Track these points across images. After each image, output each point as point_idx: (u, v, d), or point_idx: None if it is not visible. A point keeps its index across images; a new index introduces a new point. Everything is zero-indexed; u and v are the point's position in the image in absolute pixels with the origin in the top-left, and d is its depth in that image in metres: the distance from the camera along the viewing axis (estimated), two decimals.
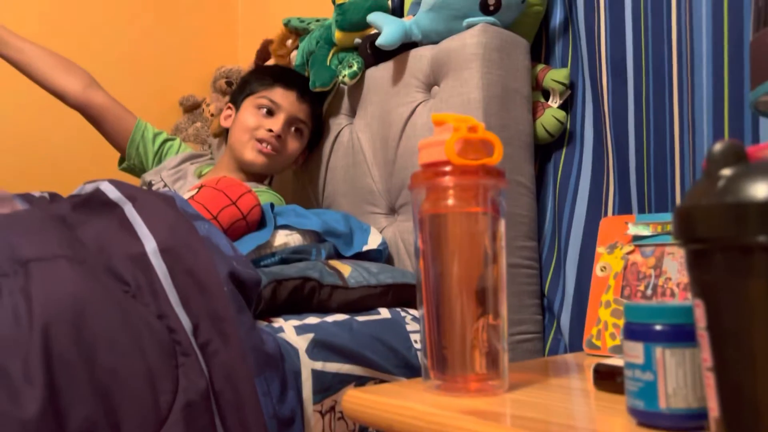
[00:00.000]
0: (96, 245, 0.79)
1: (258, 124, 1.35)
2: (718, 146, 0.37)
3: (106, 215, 0.84)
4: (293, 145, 1.38)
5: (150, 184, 1.41)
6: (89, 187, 0.92)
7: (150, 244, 0.78)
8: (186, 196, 1.05)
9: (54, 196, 1.02)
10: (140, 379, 0.68)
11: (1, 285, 0.69)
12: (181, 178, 1.40)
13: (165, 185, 1.38)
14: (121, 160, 1.53)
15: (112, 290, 0.72)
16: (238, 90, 1.47)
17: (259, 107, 1.36)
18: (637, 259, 0.84)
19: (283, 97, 1.36)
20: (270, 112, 1.36)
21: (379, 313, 1.01)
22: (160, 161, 1.48)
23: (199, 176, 1.42)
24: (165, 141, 1.50)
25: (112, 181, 0.89)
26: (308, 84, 1.38)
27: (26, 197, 0.98)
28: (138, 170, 1.50)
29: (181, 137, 1.98)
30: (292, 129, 1.37)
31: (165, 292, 0.76)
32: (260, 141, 1.34)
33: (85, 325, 0.67)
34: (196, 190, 1.06)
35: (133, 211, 0.82)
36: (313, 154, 1.50)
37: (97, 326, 0.68)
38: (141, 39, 2.09)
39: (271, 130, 1.33)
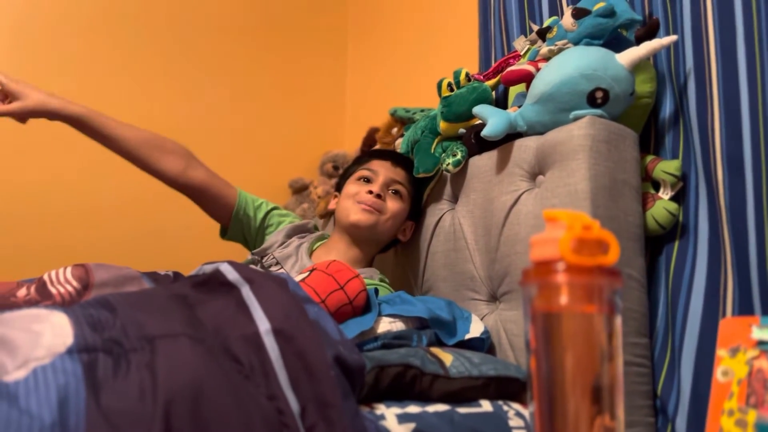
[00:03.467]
0: (214, 324, 0.84)
1: (358, 190, 1.45)
2: None
3: (224, 296, 0.88)
4: (394, 205, 1.45)
5: (260, 262, 1.46)
6: (208, 268, 0.97)
7: (264, 325, 0.82)
8: (298, 278, 1.09)
9: (177, 275, 1.09)
10: None
11: (131, 359, 0.74)
12: (291, 255, 1.46)
13: (276, 261, 1.44)
14: (223, 231, 1.55)
15: (227, 370, 0.76)
16: (341, 178, 1.59)
17: (359, 178, 1.48)
18: (764, 366, 0.79)
19: (378, 165, 1.49)
20: (368, 180, 1.47)
21: (480, 406, 0.99)
22: (263, 236, 1.54)
23: (311, 253, 1.48)
24: (266, 215, 1.53)
25: (231, 263, 0.94)
26: (401, 155, 1.51)
27: (152, 276, 1.06)
28: (241, 240, 1.55)
29: None
30: (391, 190, 1.46)
31: (276, 374, 0.78)
32: (361, 202, 1.43)
33: (202, 404, 0.70)
34: (308, 273, 1.10)
35: (250, 293, 0.86)
36: (413, 238, 1.52)
37: (213, 405, 0.70)
38: (254, 126, 2.26)
39: (371, 192, 1.43)
